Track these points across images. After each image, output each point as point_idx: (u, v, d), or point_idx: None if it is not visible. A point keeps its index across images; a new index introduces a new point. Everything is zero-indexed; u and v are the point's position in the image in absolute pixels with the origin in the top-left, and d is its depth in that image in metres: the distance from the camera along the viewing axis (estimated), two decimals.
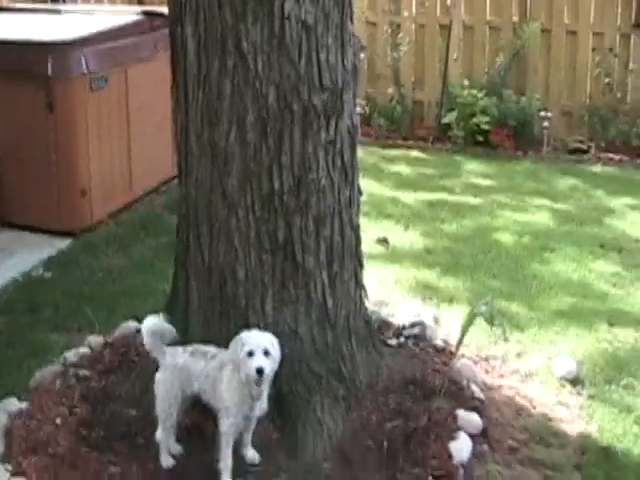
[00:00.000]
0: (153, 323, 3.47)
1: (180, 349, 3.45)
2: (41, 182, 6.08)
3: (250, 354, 3.19)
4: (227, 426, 3.30)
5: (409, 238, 6.25)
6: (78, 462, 3.46)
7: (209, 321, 3.65)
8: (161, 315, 3.55)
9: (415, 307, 4.83)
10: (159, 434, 3.48)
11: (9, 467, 3.46)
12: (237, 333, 3.29)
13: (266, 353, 3.20)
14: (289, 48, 3.41)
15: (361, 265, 3.91)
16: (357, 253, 3.85)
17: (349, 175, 3.69)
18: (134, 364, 4.05)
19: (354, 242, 3.80)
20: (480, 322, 4.21)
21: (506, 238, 6.28)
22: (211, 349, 3.43)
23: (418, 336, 4.32)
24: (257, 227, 3.52)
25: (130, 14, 6.98)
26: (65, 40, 5.99)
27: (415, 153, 8.44)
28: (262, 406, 3.33)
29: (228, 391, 3.29)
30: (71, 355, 4.27)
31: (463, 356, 4.28)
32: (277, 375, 3.31)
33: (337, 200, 3.64)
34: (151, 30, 6.70)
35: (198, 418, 3.53)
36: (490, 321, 4.00)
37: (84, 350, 4.31)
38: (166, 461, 3.46)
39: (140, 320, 4.45)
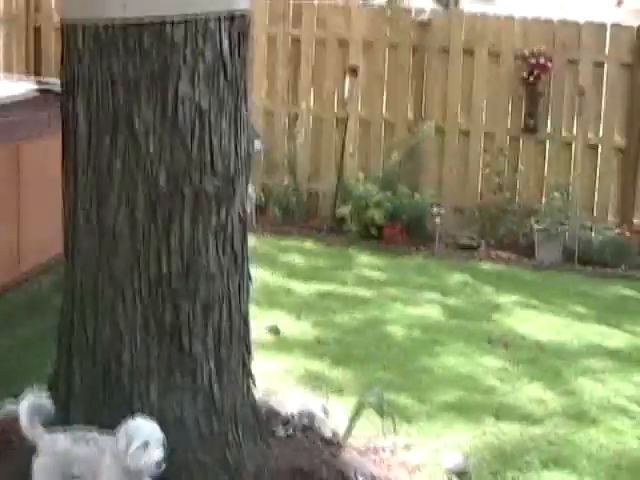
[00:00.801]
0: (31, 400, 3.36)
1: (60, 434, 3.34)
2: None
3: (138, 448, 3.12)
4: None
5: (300, 328, 6.24)
6: None
7: (92, 405, 3.53)
8: (41, 392, 3.42)
9: (304, 397, 4.78)
10: None
11: None
12: (121, 418, 3.22)
13: (148, 445, 3.14)
14: (182, 131, 3.41)
15: (249, 353, 3.87)
16: (246, 341, 3.82)
17: (239, 262, 3.67)
18: (14, 450, 3.82)
19: (243, 329, 3.77)
20: (369, 413, 4.21)
21: (397, 331, 6.34)
22: (92, 434, 3.32)
23: (307, 427, 4.27)
24: (144, 311, 3.47)
25: (23, 87, 6.88)
26: None
27: (309, 244, 8.50)
28: None
29: (107, 478, 3.19)
30: None
31: (351, 447, 4.26)
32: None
33: (226, 286, 3.61)
34: (46, 106, 6.63)
35: None
36: (379, 411, 3.99)
37: None
38: None
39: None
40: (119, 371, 3.49)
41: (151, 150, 3.39)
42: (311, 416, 4.33)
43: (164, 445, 3.16)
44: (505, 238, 8.60)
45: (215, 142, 3.49)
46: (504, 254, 8.46)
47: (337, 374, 5.44)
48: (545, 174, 8.85)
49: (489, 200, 8.79)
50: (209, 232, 3.51)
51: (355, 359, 5.71)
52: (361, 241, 8.54)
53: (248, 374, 3.88)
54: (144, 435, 3.12)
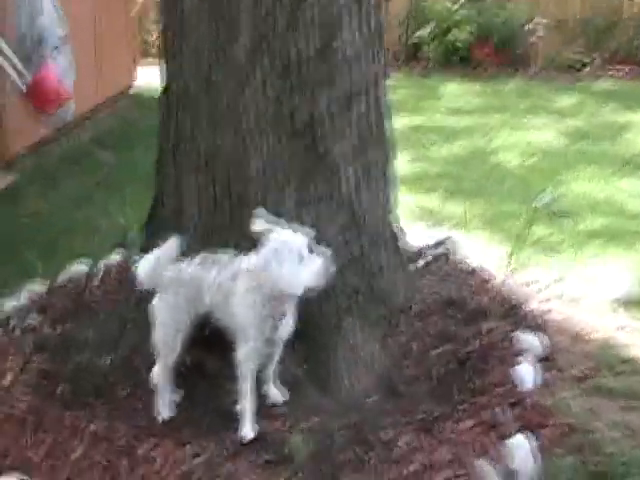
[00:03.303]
0: (154, 257, 3.02)
1: (184, 262, 3.01)
2: None
3: (289, 263, 2.76)
4: (246, 352, 2.91)
5: (400, 165, 5.97)
6: (47, 424, 3.06)
7: (211, 230, 3.24)
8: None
9: (428, 231, 4.60)
10: (156, 375, 3.07)
11: None
12: (250, 241, 2.87)
13: (301, 258, 2.79)
14: None
15: (392, 157, 3.56)
16: (387, 141, 3.49)
17: (376, 43, 3.33)
18: (93, 308, 3.70)
19: (384, 127, 3.44)
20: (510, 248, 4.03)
21: (509, 159, 6.14)
22: (224, 256, 3.00)
23: (443, 256, 4.06)
24: (272, 106, 3.13)
25: None
26: None
27: None
28: (287, 327, 2.94)
29: (244, 307, 2.89)
30: (12, 305, 3.89)
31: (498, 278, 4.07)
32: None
33: (365, 74, 3.27)
34: None
35: (201, 355, 3.13)
36: (560, 213, 3.74)
37: (27, 298, 3.94)
38: (164, 412, 3.07)
39: (89, 258, 4.18)
40: (245, 185, 3.18)
41: None
42: (451, 243, 4.12)
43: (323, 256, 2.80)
44: (620, 51, 8.20)
45: None
46: (618, 70, 8.09)
47: (452, 209, 5.28)
48: None
49: (595, 10, 8.34)
50: (344, 7, 3.17)
51: (467, 193, 5.54)
52: (442, 69, 8.25)
53: (390, 184, 3.56)
54: (295, 247, 2.78)
